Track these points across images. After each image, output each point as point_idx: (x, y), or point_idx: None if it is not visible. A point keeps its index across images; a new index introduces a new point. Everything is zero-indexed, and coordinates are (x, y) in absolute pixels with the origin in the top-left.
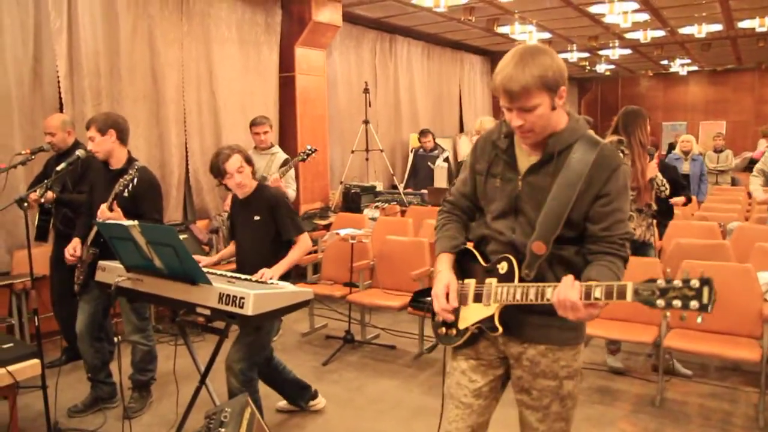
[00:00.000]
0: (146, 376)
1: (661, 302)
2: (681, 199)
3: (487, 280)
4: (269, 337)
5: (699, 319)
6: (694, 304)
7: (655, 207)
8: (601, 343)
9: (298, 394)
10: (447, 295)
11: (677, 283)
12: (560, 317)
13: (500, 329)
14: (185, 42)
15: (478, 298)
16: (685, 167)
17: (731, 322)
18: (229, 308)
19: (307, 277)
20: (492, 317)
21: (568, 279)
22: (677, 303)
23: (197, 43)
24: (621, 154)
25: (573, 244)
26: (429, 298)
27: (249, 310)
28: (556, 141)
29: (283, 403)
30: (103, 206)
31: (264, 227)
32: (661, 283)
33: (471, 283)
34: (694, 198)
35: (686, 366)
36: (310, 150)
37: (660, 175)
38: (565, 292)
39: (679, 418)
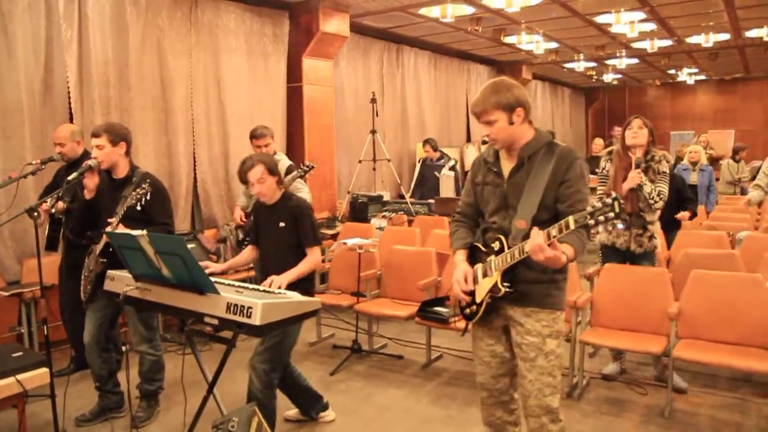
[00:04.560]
0: (154, 385)
1: (591, 221)
2: (686, 214)
3: (488, 258)
4: (294, 341)
5: (619, 225)
6: (610, 215)
7: (646, 216)
8: (609, 353)
9: (310, 404)
10: (465, 279)
11: (598, 204)
12: (540, 285)
13: (503, 290)
14: (194, 52)
15: (485, 274)
16: (693, 178)
17: (741, 333)
18: (237, 318)
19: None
20: (496, 283)
21: (535, 230)
22: (601, 218)
23: (206, 54)
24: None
25: (548, 225)
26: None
27: (257, 320)
28: (525, 149)
29: (292, 412)
30: (113, 221)
31: (288, 234)
32: (589, 209)
33: (479, 266)
34: (702, 207)
35: (696, 376)
36: (307, 167)
37: (649, 186)
38: (533, 238)
39: (689, 430)
